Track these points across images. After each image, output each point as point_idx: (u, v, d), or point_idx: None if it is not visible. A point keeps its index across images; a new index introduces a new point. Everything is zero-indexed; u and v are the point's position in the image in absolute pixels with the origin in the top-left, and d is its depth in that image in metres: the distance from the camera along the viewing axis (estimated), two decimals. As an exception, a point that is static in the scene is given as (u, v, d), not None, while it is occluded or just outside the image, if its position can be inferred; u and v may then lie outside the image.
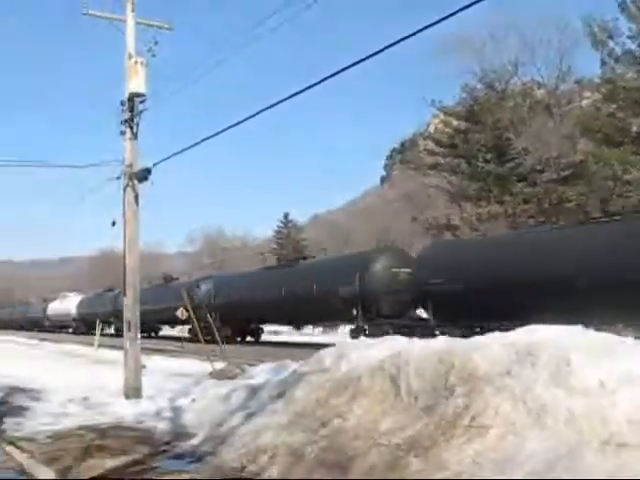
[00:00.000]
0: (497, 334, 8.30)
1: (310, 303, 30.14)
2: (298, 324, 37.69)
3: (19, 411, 12.48)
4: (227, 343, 33.10)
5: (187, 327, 39.56)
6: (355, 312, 27.31)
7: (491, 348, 7.30)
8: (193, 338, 38.05)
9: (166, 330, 48.69)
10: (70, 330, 61.84)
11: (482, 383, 6.76)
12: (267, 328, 40.94)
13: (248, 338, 38.43)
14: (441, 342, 8.46)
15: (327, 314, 30.70)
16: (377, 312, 27.16)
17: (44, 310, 70.95)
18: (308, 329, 41.45)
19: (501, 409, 6.32)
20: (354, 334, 25.46)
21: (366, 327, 26.59)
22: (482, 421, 6.34)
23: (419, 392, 7.26)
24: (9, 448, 9.67)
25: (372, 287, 27.40)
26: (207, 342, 33.56)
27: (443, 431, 6.51)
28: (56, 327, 65.51)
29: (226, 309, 36.43)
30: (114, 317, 43.97)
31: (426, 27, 7.94)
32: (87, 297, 63.30)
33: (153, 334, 46.51)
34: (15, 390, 14.73)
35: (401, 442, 6.66)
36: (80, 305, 61.34)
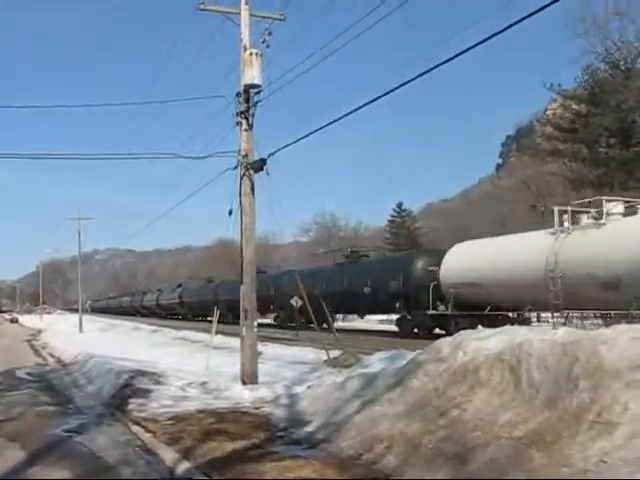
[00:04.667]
0: (624, 326, 7.89)
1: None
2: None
3: (143, 393, 13.03)
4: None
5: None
6: None
7: (618, 341, 6.93)
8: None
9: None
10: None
11: (609, 377, 6.43)
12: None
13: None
14: (563, 333, 8.12)
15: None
16: None
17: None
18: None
19: (631, 405, 5.99)
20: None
21: None
22: (609, 417, 6.03)
23: (541, 384, 6.99)
24: (135, 428, 10.16)
25: None
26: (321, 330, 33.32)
27: (567, 426, 6.25)
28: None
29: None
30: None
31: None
32: None
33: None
34: (139, 373, 15.32)
35: (522, 435, 6.45)
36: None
